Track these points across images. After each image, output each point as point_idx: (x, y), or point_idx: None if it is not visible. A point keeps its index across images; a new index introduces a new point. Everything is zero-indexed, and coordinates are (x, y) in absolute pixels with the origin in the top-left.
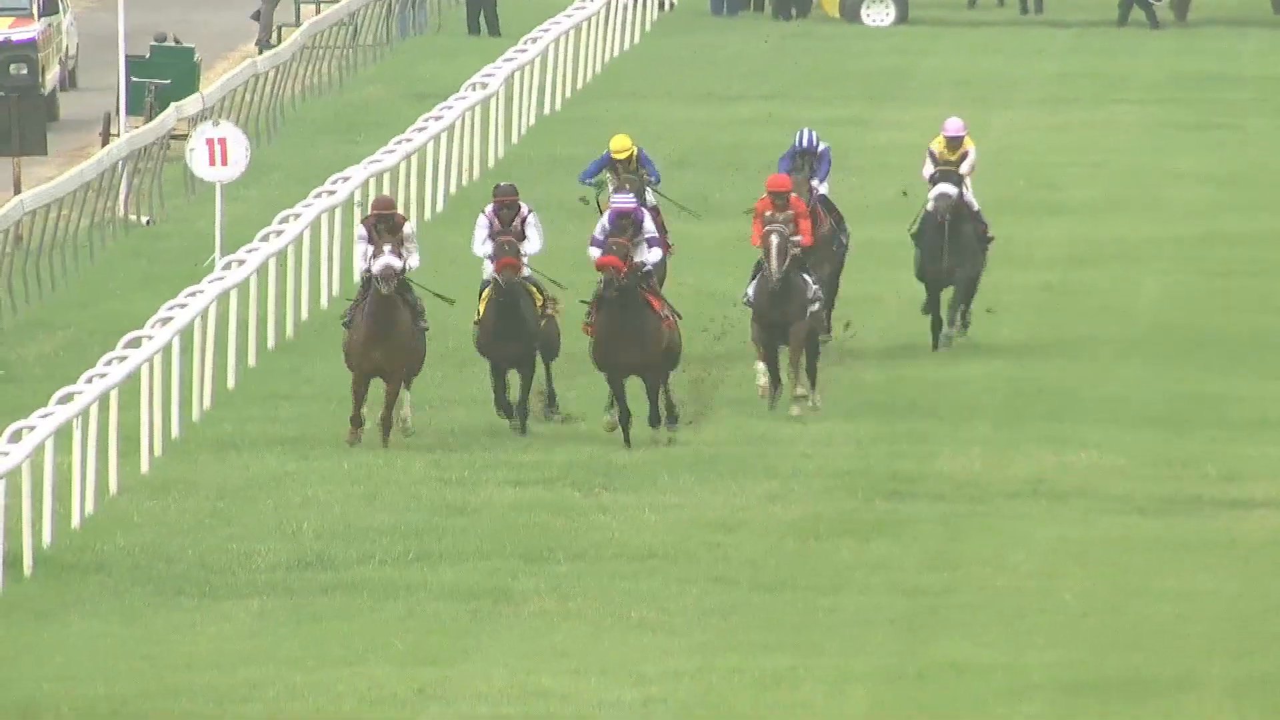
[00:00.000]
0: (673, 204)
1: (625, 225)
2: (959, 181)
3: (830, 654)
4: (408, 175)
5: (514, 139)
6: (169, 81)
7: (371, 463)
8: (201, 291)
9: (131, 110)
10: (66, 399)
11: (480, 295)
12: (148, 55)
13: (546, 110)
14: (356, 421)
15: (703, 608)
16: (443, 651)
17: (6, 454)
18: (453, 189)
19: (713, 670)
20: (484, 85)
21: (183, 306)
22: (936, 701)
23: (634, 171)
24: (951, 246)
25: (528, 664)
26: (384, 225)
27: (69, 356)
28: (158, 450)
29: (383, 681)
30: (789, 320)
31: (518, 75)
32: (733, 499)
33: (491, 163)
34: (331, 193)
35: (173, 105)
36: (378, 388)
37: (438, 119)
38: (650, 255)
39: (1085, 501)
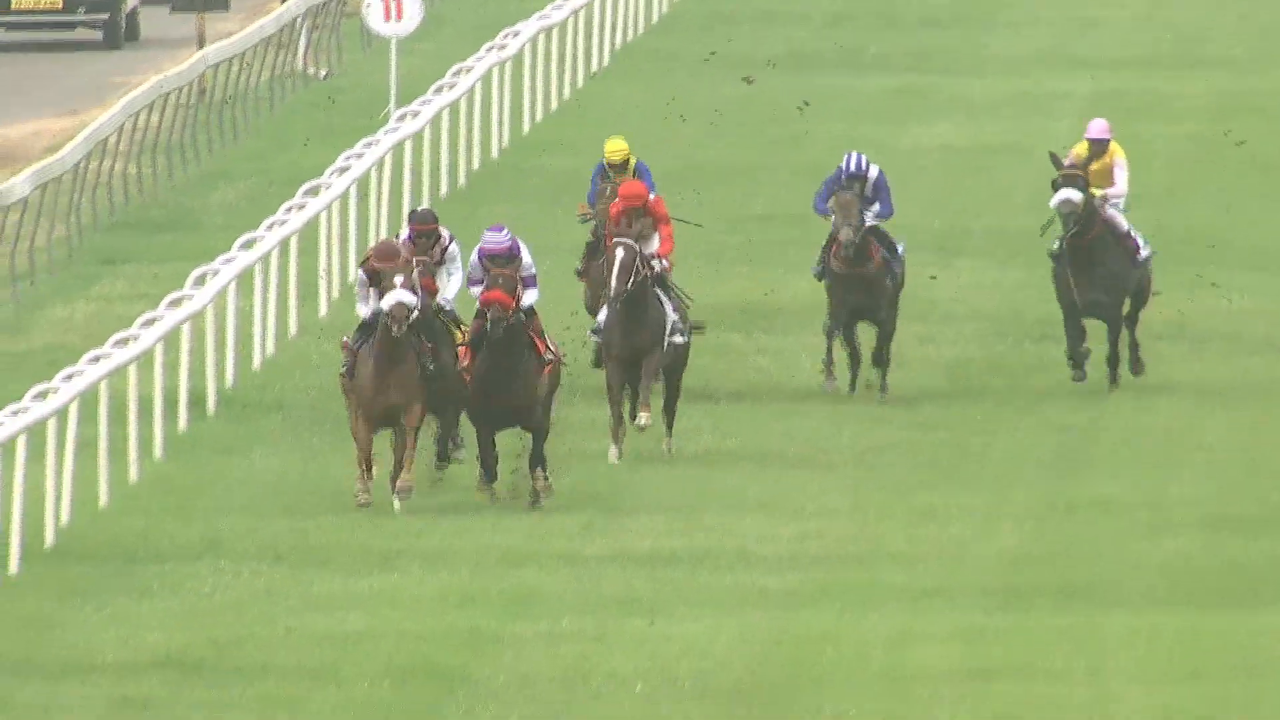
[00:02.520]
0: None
1: (499, 263)
2: (1084, 185)
3: (981, 491)
4: (574, 32)
5: None
6: None
7: None
8: (377, 142)
9: None
10: (248, 245)
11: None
12: None
13: None
14: (368, 476)
15: (857, 446)
16: (606, 488)
17: (191, 297)
18: (618, 45)
19: (866, 507)
20: None
21: (359, 157)
22: (1083, 537)
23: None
24: (1090, 279)
25: (689, 500)
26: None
27: (250, 205)
28: (335, 294)
29: (549, 515)
30: (640, 352)
31: None
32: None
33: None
34: (502, 47)
35: None
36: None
37: None
38: (528, 296)
39: (1228, 344)
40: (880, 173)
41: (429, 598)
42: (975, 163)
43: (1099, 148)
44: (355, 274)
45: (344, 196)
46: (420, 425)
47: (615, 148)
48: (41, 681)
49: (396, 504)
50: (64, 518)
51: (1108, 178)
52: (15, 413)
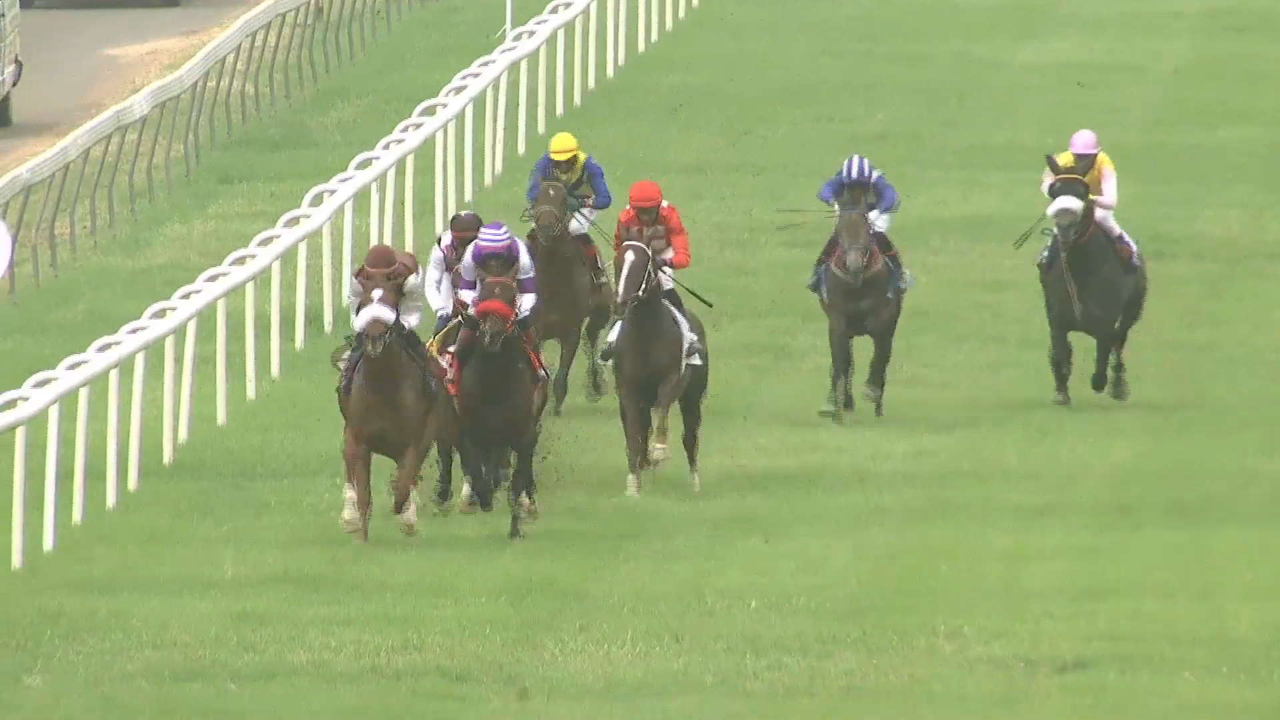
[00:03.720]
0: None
1: (495, 265)
2: (1084, 193)
3: (1095, 407)
4: None
5: None
6: None
7: None
8: (493, 62)
9: None
10: (364, 164)
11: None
12: None
13: None
14: (363, 502)
15: (972, 364)
16: (724, 405)
17: (308, 216)
18: None
19: (980, 423)
20: None
21: (475, 76)
22: (1197, 454)
23: (575, 182)
24: (1084, 287)
25: (805, 418)
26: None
27: (366, 123)
28: (451, 209)
29: (673, 427)
30: (656, 375)
31: None
32: (1003, 259)
33: None
34: None
35: None
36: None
37: None
38: (525, 301)
39: None
40: (880, 177)
41: (546, 515)
42: (1088, 80)
43: (1085, 162)
44: (437, 242)
45: (460, 116)
46: (422, 452)
47: (561, 145)
48: (161, 597)
49: (405, 526)
50: (182, 435)
51: (1096, 191)
52: (134, 331)
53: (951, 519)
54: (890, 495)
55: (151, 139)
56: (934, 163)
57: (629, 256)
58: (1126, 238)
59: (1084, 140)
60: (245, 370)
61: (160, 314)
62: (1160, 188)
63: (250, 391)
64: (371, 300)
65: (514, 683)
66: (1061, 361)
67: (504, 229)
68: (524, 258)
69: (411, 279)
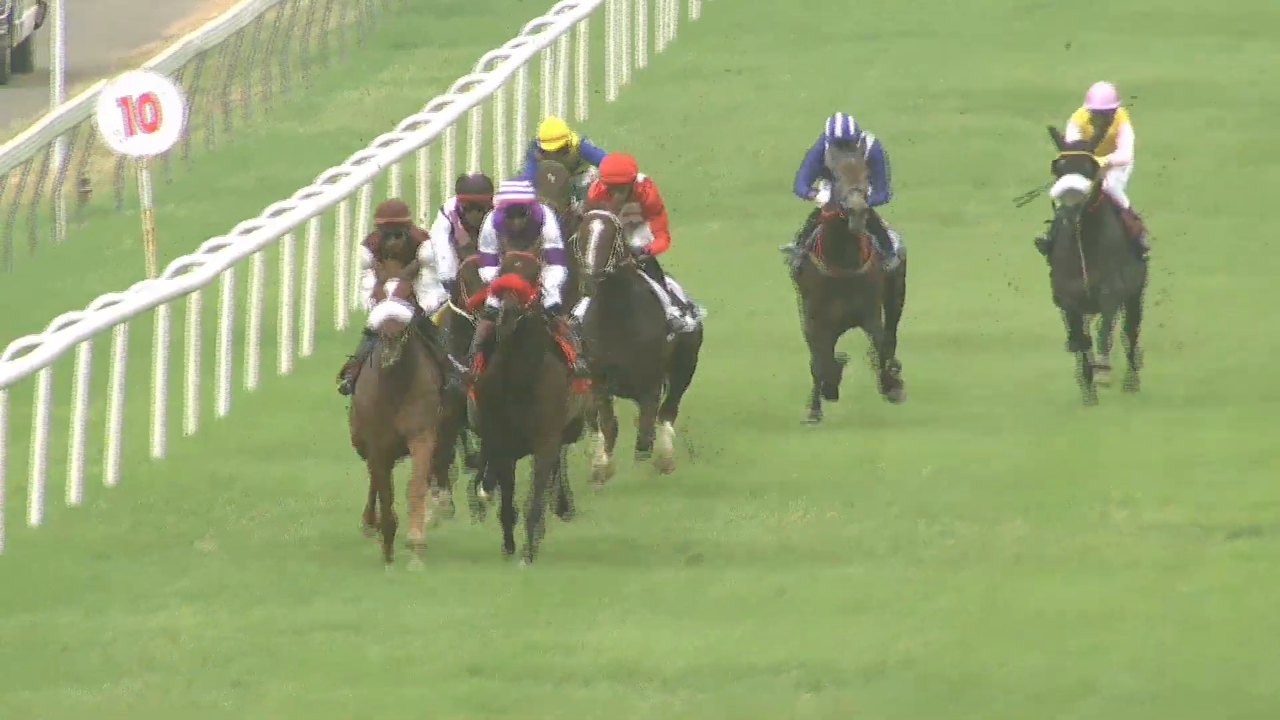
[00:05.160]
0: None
1: (518, 225)
2: (1091, 170)
3: (1268, 273)
4: None
5: None
6: None
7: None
8: None
9: None
10: (537, 30)
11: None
12: None
13: None
14: (388, 527)
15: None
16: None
17: (481, 81)
18: None
19: (1154, 290)
20: None
21: None
22: None
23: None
24: (1092, 258)
25: (973, 284)
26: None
27: None
28: (624, 79)
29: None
30: (627, 358)
31: None
32: (1174, 124)
33: None
34: None
35: None
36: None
37: None
38: (551, 275)
39: None
40: (876, 143)
41: (719, 384)
42: None
43: (1103, 119)
44: (440, 210)
45: None
46: (434, 457)
47: (550, 133)
48: (334, 462)
49: (416, 557)
50: (355, 302)
51: (1110, 148)
52: (308, 196)
53: (1118, 388)
54: (1059, 362)
55: (324, 5)
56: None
57: (595, 227)
58: (1136, 213)
59: (1103, 94)
60: None
61: (333, 179)
62: None
63: (423, 251)
64: (386, 295)
65: (686, 549)
66: (1083, 349)
67: (527, 183)
68: (550, 226)
69: (424, 249)
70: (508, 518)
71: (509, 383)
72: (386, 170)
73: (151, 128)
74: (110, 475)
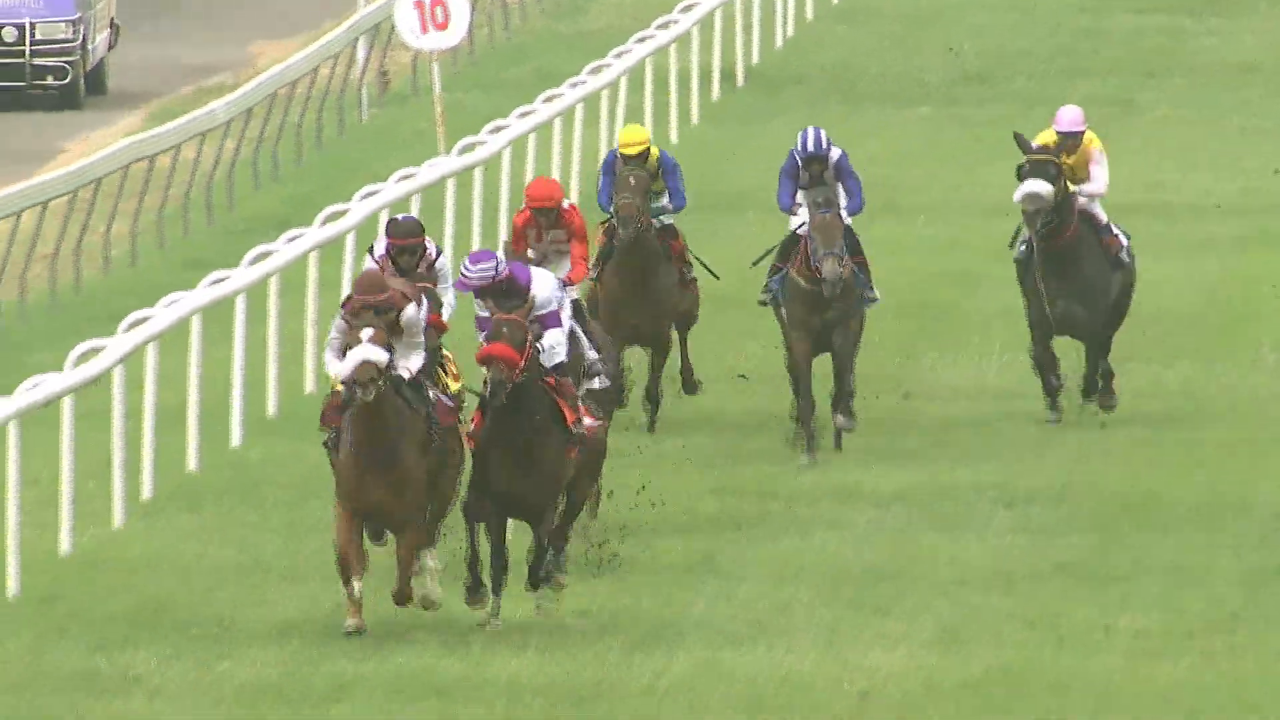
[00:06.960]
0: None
1: (500, 302)
2: (1056, 175)
3: None
4: None
5: None
6: None
7: None
8: None
9: None
10: None
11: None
12: None
13: None
14: (354, 600)
15: None
16: None
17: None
18: None
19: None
20: None
21: None
22: None
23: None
24: (1062, 276)
25: (1150, 161)
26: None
27: None
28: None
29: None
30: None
31: None
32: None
33: None
34: None
35: None
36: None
37: None
38: (548, 339)
39: None
40: (843, 154)
41: (926, 250)
42: None
43: (1070, 141)
44: (368, 252)
45: None
46: (427, 523)
47: (631, 139)
48: None
49: (427, 602)
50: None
51: (1082, 175)
52: (574, 85)
53: (1273, 245)
54: (1222, 226)
55: None
56: None
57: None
58: (1116, 228)
59: (1070, 117)
60: (668, 118)
61: (596, 70)
62: None
63: (673, 136)
64: (360, 340)
65: (898, 388)
66: (1047, 371)
67: (491, 259)
68: (541, 290)
69: (409, 310)
70: (476, 564)
71: (503, 448)
72: (641, 62)
73: (442, 26)
74: None
